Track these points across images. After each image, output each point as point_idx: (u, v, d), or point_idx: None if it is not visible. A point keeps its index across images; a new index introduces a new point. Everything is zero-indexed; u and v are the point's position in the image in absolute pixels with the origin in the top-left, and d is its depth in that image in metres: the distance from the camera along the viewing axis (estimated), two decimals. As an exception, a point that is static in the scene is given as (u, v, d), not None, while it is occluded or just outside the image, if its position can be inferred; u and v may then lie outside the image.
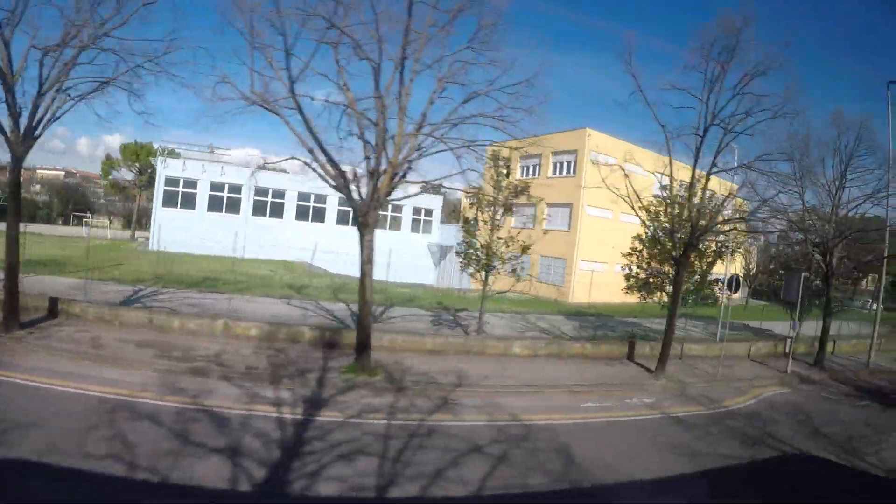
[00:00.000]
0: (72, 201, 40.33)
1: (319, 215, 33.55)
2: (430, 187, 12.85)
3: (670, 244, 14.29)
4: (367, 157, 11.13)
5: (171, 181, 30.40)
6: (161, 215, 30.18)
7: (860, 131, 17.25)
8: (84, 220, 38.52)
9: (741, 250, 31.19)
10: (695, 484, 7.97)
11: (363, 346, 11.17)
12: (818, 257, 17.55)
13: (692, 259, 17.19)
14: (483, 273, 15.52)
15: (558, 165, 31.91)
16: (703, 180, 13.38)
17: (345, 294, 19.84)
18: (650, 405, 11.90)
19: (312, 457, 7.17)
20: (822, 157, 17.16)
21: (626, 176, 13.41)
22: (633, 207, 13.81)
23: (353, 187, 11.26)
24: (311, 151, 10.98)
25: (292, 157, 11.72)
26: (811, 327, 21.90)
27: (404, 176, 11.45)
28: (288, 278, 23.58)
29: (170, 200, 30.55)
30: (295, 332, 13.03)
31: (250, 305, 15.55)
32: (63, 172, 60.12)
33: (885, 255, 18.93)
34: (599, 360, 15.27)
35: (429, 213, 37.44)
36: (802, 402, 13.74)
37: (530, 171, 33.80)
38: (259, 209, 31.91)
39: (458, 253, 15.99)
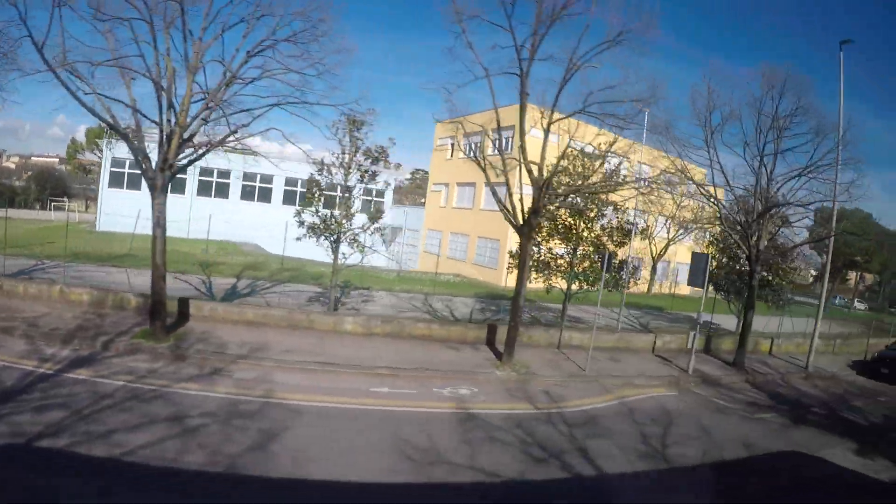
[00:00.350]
0: (48, 187, 40.22)
1: (265, 195, 31.86)
2: (225, 146, 10.75)
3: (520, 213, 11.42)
4: (159, 122, 10.22)
5: (117, 162, 29.30)
6: (108, 196, 29.18)
7: (798, 94, 13.76)
8: (54, 204, 38.31)
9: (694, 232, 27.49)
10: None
11: (156, 312, 10.46)
12: (735, 237, 14.21)
13: (580, 231, 14.33)
14: (333, 245, 13.34)
15: (496, 142, 29.11)
16: (544, 125, 10.47)
17: (251, 271, 19.40)
18: (462, 397, 9.55)
19: (10, 404, 6.77)
20: (737, 116, 13.65)
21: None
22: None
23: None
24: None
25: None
26: (771, 323, 18.61)
27: (190, 139, 10.51)
28: (207, 257, 21.94)
29: (116, 181, 29.48)
30: (121, 299, 12.40)
31: (138, 278, 14.31)
32: (57, 159, 61.21)
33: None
34: (449, 342, 13.04)
35: (380, 193, 35.07)
36: (678, 409, 10.64)
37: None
38: (204, 189, 30.46)
39: (299, 223, 13.45)
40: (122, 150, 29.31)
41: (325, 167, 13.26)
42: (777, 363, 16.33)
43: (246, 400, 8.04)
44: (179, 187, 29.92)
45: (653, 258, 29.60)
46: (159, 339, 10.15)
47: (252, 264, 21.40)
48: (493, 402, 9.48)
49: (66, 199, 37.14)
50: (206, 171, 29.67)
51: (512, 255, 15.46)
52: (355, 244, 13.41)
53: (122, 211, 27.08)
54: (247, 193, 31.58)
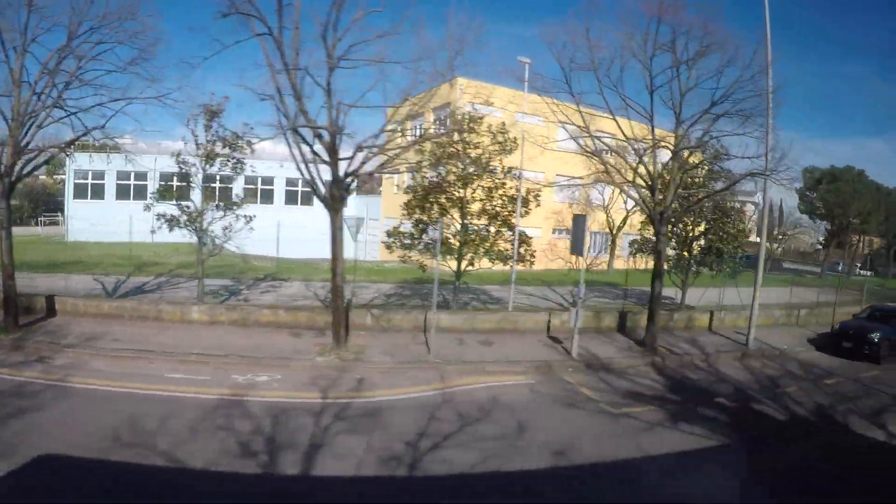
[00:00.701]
0: (40, 203, 40.96)
1: (226, 197, 30.77)
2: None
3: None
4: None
5: (80, 174, 29.05)
6: (73, 207, 29.04)
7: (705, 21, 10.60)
8: (49, 219, 38.91)
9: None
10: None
11: (7, 308, 10.48)
12: (632, 195, 11.32)
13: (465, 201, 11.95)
14: (198, 236, 12.54)
15: (439, 122, 26.70)
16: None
17: (185, 269, 18.69)
18: (253, 384, 8.34)
19: None
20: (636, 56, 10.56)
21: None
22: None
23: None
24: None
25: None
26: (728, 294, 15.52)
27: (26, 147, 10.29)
28: (154, 258, 21.67)
29: (80, 193, 29.27)
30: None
31: (47, 281, 14.47)
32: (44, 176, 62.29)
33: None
34: (296, 328, 11.59)
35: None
36: (518, 401, 8.14)
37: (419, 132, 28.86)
38: (168, 194, 29.78)
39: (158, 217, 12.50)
40: (82, 162, 29.07)
41: (182, 158, 12.71)
42: (713, 341, 13.18)
43: (38, 382, 7.88)
44: (141, 195, 29.41)
45: (611, 231, 26.23)
46: (9, 331, 10.23)
47: (188, 263, 19.95)
48: (281, 391, 8.09)
49: (59, 214, 37.74)
50: (165, 177, 28.92)
51: (389, 234, 13.27)
52: (204, 233, 12.52)
53: (89, 220, 26.93)
54: (209, 196, 30.63)
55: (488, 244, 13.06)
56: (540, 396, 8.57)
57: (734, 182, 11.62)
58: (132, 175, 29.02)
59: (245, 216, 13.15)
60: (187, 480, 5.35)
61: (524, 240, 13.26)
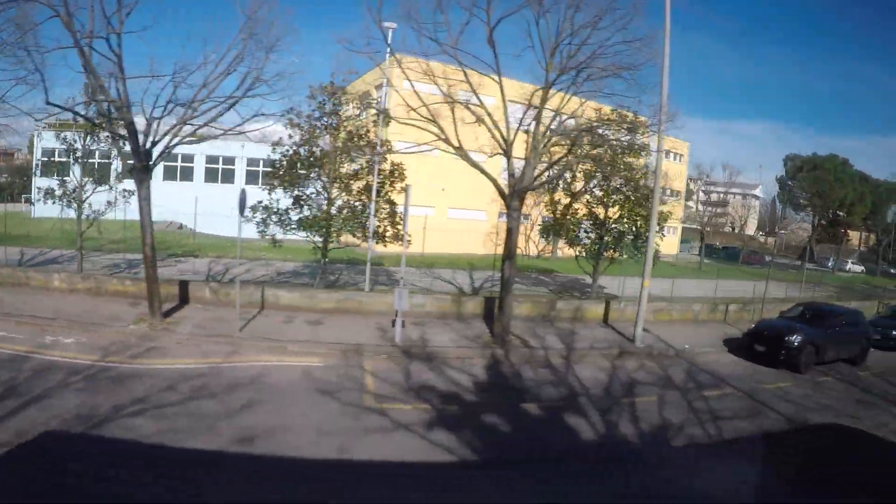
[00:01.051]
0: (19, 181, 41.92)
1: (187, 174, 30.37)
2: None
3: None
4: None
5: (47, 152, 29.52)
6: (40, 184, 29.57)
7: None
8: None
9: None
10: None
11: None
12: (481, 168, 9.81)
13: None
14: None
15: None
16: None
17: (122, 245, 19.14)
18: (51, 344, 8.24)
19: None
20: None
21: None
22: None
23: None
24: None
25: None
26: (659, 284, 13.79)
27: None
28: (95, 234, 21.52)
29: (48, 170, 29.78)
30: None
31: None
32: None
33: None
34: (139, 298, 11.03)
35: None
36: (277, 383, 7.29)
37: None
38: (171, 175, 29.44)
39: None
40: (50, 140, 29.53)
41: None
42: (597, 335, 11.56)
43: None
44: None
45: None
46: None
47: (122, 239, 20.54)
48: (69, 352, 7.97)
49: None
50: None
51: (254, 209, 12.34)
52: (81, 207, 12.98)
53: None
54: (169, 174, 30.21)
55: (360, 221, 12.08)
56: (308, 381, 7.52)
57: (610, 141, 9.95)
58: (96, 153, 29.29)
59: (125, 191, 13.43)
60: None
61: (383, 219, 12.11)
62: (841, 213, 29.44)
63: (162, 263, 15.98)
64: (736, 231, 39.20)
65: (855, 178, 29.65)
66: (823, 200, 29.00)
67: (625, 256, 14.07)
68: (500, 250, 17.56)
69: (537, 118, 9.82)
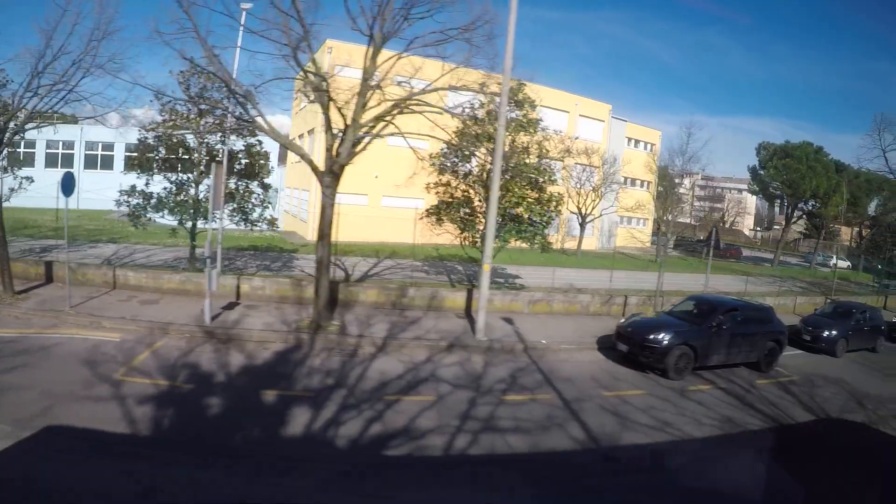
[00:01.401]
0: None
1: (107, 163, 31.09)
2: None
3: None
4: None
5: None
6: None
7: None
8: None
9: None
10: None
11: None
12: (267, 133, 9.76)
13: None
14: None
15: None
16: None
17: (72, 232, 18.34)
18: None
19: None
20: None
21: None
22: None
23: None
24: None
25: None
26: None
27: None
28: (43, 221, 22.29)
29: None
30: None
31: None
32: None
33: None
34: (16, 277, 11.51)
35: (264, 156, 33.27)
36: (29, 350, 7.68)
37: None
38: (52, 161, 29.81)
39: None
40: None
41: None
42: (439, 325, 10.91)
43: None
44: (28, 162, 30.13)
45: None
46: None
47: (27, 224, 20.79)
48: None
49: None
50: (51, 144, 29.61)
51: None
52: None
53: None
54: (89, 162, 31.07)
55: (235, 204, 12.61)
56: (89, 353, 7.91)
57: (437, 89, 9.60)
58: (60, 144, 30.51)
59: (25, 178, 13.49)
60: None
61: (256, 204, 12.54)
62: (815, 204, 26.57)
63: (75, 247, 16.80)
64: (726, 226, 36.48)
65: (830, 168, 26.57)
66: (793, 190, 26.26)
67: (535, 245, 13.15)
68: (438, 239, 17.52)
69: (361, 90, 9.60)
